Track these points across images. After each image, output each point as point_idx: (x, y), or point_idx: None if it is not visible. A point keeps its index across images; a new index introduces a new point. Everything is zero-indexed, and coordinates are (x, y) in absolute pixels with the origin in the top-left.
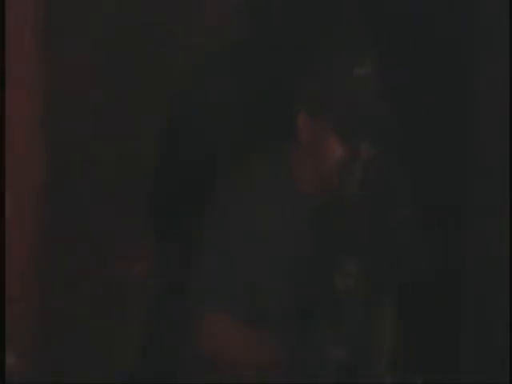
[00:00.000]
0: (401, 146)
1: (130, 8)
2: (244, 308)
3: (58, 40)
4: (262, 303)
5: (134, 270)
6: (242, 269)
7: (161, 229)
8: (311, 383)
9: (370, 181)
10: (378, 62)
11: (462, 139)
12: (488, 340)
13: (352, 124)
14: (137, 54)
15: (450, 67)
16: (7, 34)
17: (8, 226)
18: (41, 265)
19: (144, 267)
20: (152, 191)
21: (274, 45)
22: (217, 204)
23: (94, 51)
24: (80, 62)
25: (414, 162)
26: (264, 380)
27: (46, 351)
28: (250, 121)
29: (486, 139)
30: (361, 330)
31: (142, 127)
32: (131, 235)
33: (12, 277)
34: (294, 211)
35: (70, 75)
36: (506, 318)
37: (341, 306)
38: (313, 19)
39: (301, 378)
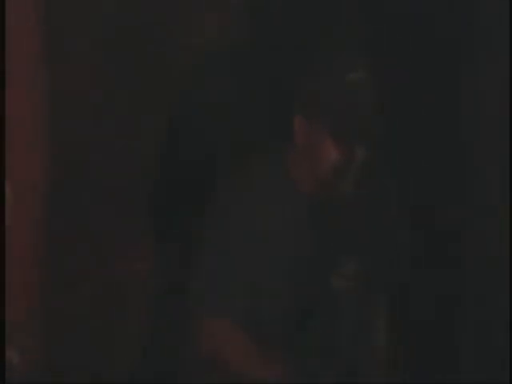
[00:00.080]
0: (400, 147)
1: (130, 8)
2: (244, 308)
3: (58, 40)
4: (262, 303)
5: (134, 270)
6: (242, 268)
7: (161, 229)
8: (311, 383)
9: (365, 182)
10: (375, 64)
11: (461, 139)
12: (488, 340)
13: (347, 127)
14: (137, 54)
15: (449, 68)
16: (7, 34)
17: (9, 226)
18: (41, 265)
19: (144, 267)
20: (152, 191)
21: (273, 45)
22: (217, 204)
23: (94, 51)
24: (80, 61)
25: (413, 163)
26: (264, 380)
27: (46, 351)
28: (250, 121)
29: (486, 139)
30: (358, 329)
31: (142, 127)
32: (131, 235)
33: (13, 277)
34: (292, 211)
35: (70, 75)
36: (506, 318)
37: (338, 305)
38: (313, 19)
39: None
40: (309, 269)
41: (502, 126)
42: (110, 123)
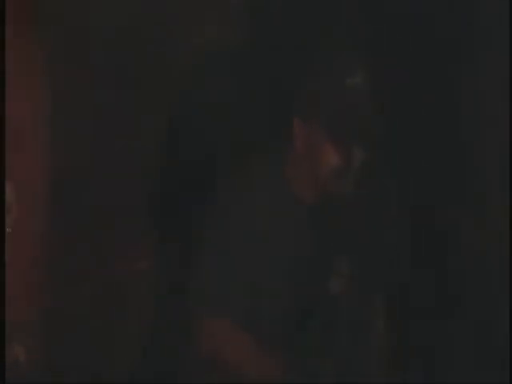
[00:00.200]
0: (400, 147)
1: (130, 8)
2: (243, 308)
3: (58, 41)
4: (262, 303)
5: (133, 270)
6: (242, 268)
7: (161, 229)
8: (311, 383)
9: (365, 183)
10: (374, 64)
11: (461, 139)
12: (488, 340)
13: (346, 129)
14: (137, 54)
15: (449, 68)
16: (7, 35)
17: (10, 227)
18: (42, 265)
19: (144, 267)
20: (152, 191)
21: (273, 45)
22: (217, 204)
23: (94, 51)
24: (80, 62)
25: (413, 163)
26: (264, 379)
27: (46, 351)
28: (250, 121)
29: (486, 139)
30: (358, 329)
31: (142, 127)
32: (131, 235)
33: (13, 277)
34: (292, 211)
35: (71, 75)
36: (506, 318)
37: (337, 306)
38: (313, 19)
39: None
40: (308, 269)
41: (501, 126)
42: (110, 123)
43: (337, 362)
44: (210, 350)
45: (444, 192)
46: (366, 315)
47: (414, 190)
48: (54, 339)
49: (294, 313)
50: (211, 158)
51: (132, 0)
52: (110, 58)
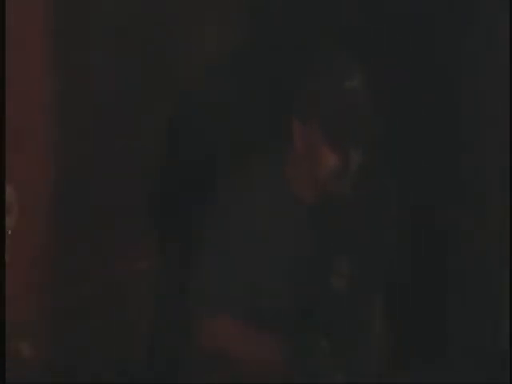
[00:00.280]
0: (400, 148)
1: (130, 8)
2: (243, 307)
3: (59, 41)
4: (261, 303)
5: (133, 270)
6: (241, 268)
7: (161, 229)
8: (311, 383)
9: (364, 183)
10: (373, 63)
11: (461, 140)
12: (488, 340)
13: (344, 131)
14: (136, 54)
15: (449, 68)
16: (7, 34)
17: (11, 227)
18: (42, 265)
19: (144, 267)
20: (152, 191)
21: (273, 45)
22: (217, 204)
23: (95, 52)
24: (81, 61)
25: (412, 164)
26: (264, 379)
27: (45, 351)
28: (250, 121)
29: (486, 139)
30: (358, 329)
31: (142, 127)
32: (131, 235)
33: (13, 277)
34: (292, 211)
35: (71, 75)
36: (506, 318)
37: (338, 305)
38: (313, 19)
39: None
40: (308, 269)
41: (501, 126)
42: (110, 123)
43: (336, 362)
44: (210, 350)
45: (444, 192)
46: (366, 315)
47: (414, 190)
48: (53, 339)
49: (293, 312)
50: (211, 157)
51: (132, 0)
52: (110, 59)
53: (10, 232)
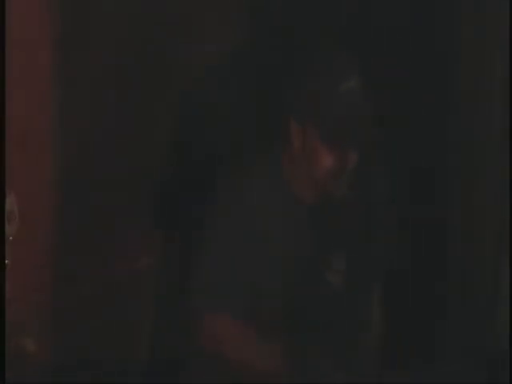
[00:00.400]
0: (400, 148)
1: (130, 8)
2: (243, 307)
3: (60, 46)
4: (261, 302)
5: (134, 270)
6: (241, 268)
7: (161, 229)
8: (311, 383)
9: (362, 183)
10: (371, 65)
11: (461, 140)
12: (488, 340)
13: (341, 132)
14: (136, 54)
15: (448, 67)
16: (7, 33)
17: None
18: (44, 265)
19: (144, 267)
20: (152, 191)
21: (273, 45)
22: (217, 204)
23: (95, 51)
24: (81, 61)
25: (411, 164)
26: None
27: (45, 351)
28: (250, 121)
29: (485, 140)
30: (356, 328)
31: (142, 127)
32: (131, 235)
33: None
34: (291, 211)
35: (73, 75)
36: (506, 318)
37: (333, 304)
38: (313, 19)
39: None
40: (308, 268)
41: (502, 126)
42: (110, 123)
43: (335, 360)
44: (210, 350)
45: (444, 192)
46: (364, 314)
47: (413, 189)
48: (53, 339)
49: (292, 311)
50: (211, 157)
51: (132, 0)
52: (110, 59)
53: (10, 238)
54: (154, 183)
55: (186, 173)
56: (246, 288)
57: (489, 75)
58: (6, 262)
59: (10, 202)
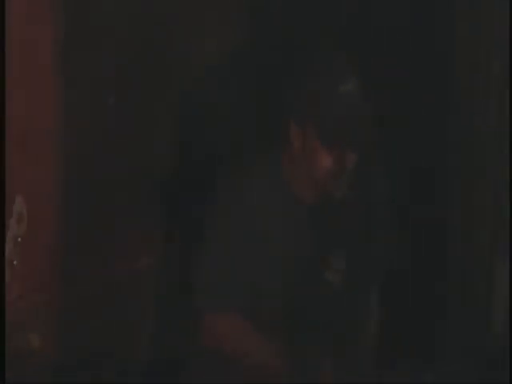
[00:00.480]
0: (400, 148)
1: (130, 8)
2: (244, 307)
3: (66, 50)
4: (261, 302)
5: (134, 270)
6: (241, 268)
7: (161, 229)
8: (311, 383)
9: (360, 184)
10: (370, 69)
11: (461, 139)
12: (487, 339)
13: (340, 133)
14: (136, 54)
15: (448, 67)
16: (7, 33)
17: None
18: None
19: (144, 267)
20: (152, 191)
21: (273, 45)
22: (217, 204)
23: (95, 51)
24: (82, 61)
25: (410, 164)
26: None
27: (45, 351)
28: (250, 121)
29: (485, 140)
30: (355, 328)
31: (142, 127)
32: (131, 235)
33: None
34: (291, 211)
35: (73, 75)
36: (506, 318)
37: (332, 303)
38: (313, 19)
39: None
40: (308, 267)
41: (502, 126)
42: (110, 123)
43: (334, 358)
44: (210, 350)
45: (443, 192)
46: (363, 314)
47: (413, 190)
48: (53, 339)
49: (293, 311)
50: (211, 157)
51: (132, 0)
52: (110, 59)
53: (19, 239)
54: (153, 183)
55: (186, 173)
56: (246, 288)
57: (489, 75)
58: (15, 262)
59: (20, 204)
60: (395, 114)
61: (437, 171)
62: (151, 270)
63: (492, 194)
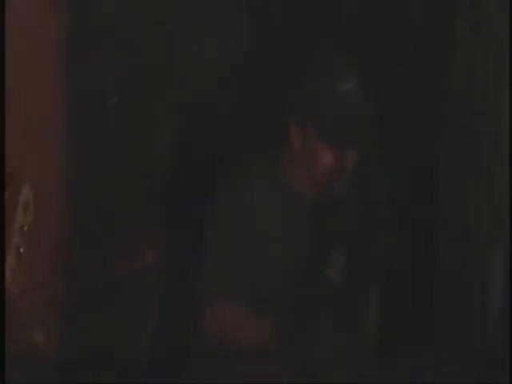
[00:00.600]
0: (399, 148)
1: (130, 8)
2: (244, 306)
3: (59, 40)
4: (261, 302)
5: (134, 270)
6: (242, 267)
7: (161, 228)
8: (311, 383)
9: (360, 183)
10: (369, 69)
11: (460, 139)
12: (487, 339)
13: (340, 132)
14: (137, 54)
15: (447, 67)
16: (7, 33)
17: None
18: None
19: (144, 267)
20: (152, 191)
21: (273, 45)
22: (217, 204)
23: (96, 51)
24: (82, 61)
25: (409, 164)
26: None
27: (45, 351)
28: (250, 121)
29: (485, 140)
30: (354, 327)
31: (143, 127)
32: (131, 235)
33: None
34: (291, 210)
35: (73, 75)
36: (506, 318)
37: (331, 301)
38: (313, 19)
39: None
40: (307, 267)
41: (502, 126)
42: (110, 123)
43: (334, 358)
44: (210, 349)
45: (442, 192)
46: (363, 313)
47: (413, 190)
48: (54, 338)
49: (293, 311)
50: (211, 157)
51: (132, 0)
52: (111, 59)
53: (26, 228)
54: (153, 183)
55: (186, 173)
56: (246, 287)
57: (489, 75)
58: (21, 250)
59: (26, 192)
60: (395, 114)
61: (437, 171)
62: (151, 270)
63: (491, 194)
